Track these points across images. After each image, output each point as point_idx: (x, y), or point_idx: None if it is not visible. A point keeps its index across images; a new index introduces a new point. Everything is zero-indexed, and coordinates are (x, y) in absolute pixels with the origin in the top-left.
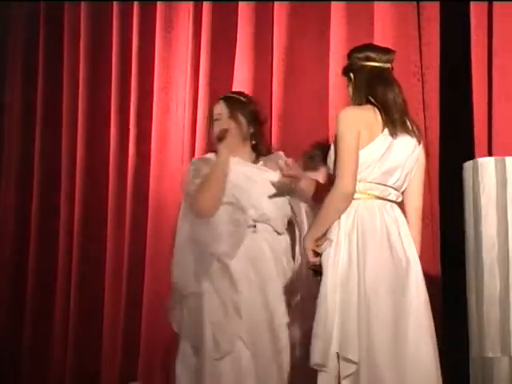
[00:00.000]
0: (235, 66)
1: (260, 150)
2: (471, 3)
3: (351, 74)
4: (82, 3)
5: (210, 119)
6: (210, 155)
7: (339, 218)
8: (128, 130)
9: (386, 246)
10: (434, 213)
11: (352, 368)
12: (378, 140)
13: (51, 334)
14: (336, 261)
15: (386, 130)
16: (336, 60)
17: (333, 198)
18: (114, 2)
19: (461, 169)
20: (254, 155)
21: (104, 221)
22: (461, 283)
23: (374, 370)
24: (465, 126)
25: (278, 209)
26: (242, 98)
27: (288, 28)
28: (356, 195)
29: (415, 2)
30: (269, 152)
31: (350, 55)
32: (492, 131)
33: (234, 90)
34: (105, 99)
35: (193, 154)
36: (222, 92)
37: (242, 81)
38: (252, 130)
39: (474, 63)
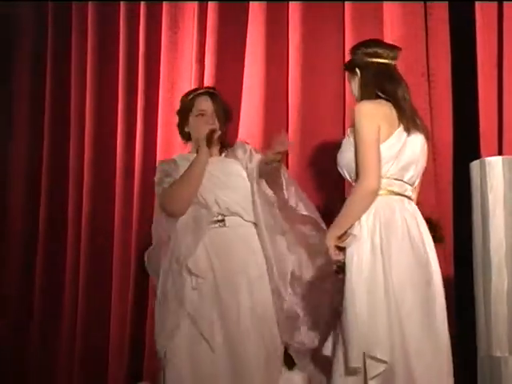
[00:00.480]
0: (245, 65)
1: (226, 144)
2: (476, 3)
3: (357, 70)
4: (90, 3)
5: (187, 112)
6: (177, 157)
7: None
8: (135, 128)
9: (407, 243)
10: (447, 212)
11: (381, 368)
12: (395, 135)
13: (59, 333)
14: (360, 259)
15: (401, 125)
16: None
17: (358, 195)
18: (121, 2)
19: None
20: (219, 148)
21: (111, 218)
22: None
23: (408, 369)
24: (473, 126)
25: (245, 198)
26: (218, 94)
27: (302, 28)
28: None
29: (423, 2)
30: (231, 145)
31: (354, 50)
32: (502, 131)
33: (244, 90)
34: (112, 98)
35: None
36: (228, 93)
37: (253, 81)
38: (224, 128)
39: (480, 62)
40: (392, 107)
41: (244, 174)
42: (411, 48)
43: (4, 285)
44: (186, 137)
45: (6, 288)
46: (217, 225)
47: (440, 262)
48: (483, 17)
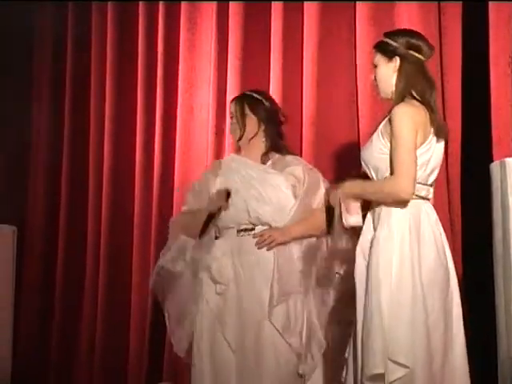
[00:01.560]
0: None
1: (273, 148)
2: (490, 3)
3: (397, 58)
4: (109, 3)
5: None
6: (228, 157)
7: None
8: (154, 130)
9: (434, 247)
10: (456, 213)
11: (401, 372)
12: (428, 141)
13: (79, 333)
14: (388, 263)
15: (432, 129)
16: (362, 60)
17: (387, 193)
18: (140, 2)
19: (482, 169)
20: (262, 154)
21: (131, 216)
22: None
23: (430, 375)
24: (484, 125)
25: (278, 211)
26: (255, 94)
27: (318, 28)
28: None
29: (437, 2)
30: (286, 152)
31: (395, 37)
32: None
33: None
34: (131, 100)
35: (217, 155)
36: None
37: (272, 81)
38: (263, 128)
39: (493, 61)
40: (426, 110)
41: (284, 186)
42: None
43: (26, 282)
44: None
45: (27, 286)
46: (246, 233)
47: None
48: (497, 16)
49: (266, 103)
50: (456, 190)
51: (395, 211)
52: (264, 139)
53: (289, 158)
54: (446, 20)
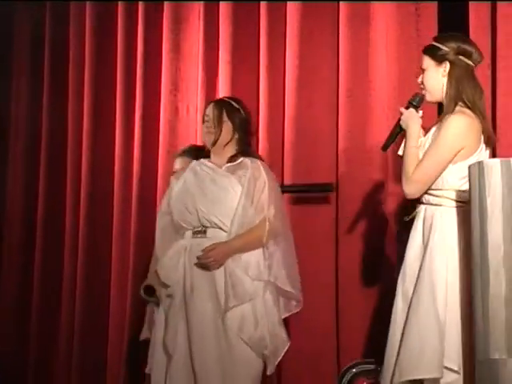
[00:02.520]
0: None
1: (241, 153)
2: (470, 3)
3: (447, 64)
4: (88, 3)
5: (202, 119)
6: (193, 162)
7: None
8: (133, 129)
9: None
10: None
11: (450, 377)
12: (479, 150)
13: (58, 328)
14: (444, 266)
15: (482, 138)
16: (344, 63)
17: (402, 183)
18: (119, 2)
19: None
20: (230, 156)
21: (110, 218)
22: None
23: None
24: None
25: (226, 213)
26: (233, 102)
27: (299, 30)
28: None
29: (414, 2)
30: (250, 155)
31: (446, 42)
32: (496, 132)
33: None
34: (110, 100)
35: None
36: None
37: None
38: (237, 136)
39: None
40: (478, 119)
41: (236, 188)
42: (405, 49)
43: (3, 277)
44: None
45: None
46: (199, 235)
47: None
48: (476, 17)
49: (242, 112)
50: None
51: (448, 216)
52: (236, 147)
53: (246, 160)
54: (421, 21)
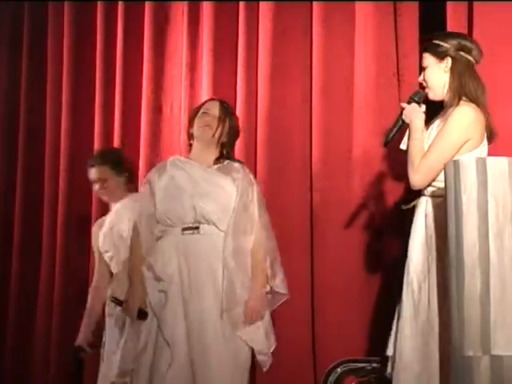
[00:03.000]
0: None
1: (224, 156)
2: (447, 3)
3: (449, 59)
4: (66, 3)
5: (195, 113)
6: (170, 161)
7: None
8: (113, 127)
9: None
10: None
11: None
12: (483, 144)
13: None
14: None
15: (486, 133)
16: (318, 61)
17: (408, 172)
18: (98, 2)
19: None
20: (215, 159)
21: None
22: None
23: None
24: None
25: (222, 210)
26: (228, 106)
27: (272, 29)
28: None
29: (393, 2)
30: (232, 159)
31: (447, 38)
32: None
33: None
34: (89, 99)
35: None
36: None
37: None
38: (225, 140)
39: None
40: (483, 114)
41: (230, 188)
42: (382, 48)
43: None
44: (190, 138)
45: None
46: (191, 231)
47: None
48: (454, 17)
49: (236, 117)
50: None
51: None
52: (220, 149)
53: (236, 164)
54: (401, 21)
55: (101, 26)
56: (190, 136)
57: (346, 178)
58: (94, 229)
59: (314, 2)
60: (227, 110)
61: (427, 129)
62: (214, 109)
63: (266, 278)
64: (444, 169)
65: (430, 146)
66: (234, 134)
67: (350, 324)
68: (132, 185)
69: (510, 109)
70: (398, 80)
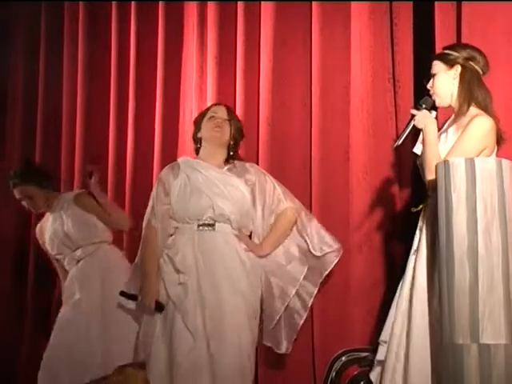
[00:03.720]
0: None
1: (232, 157)
2: (436, 3)
3: (458, 67)
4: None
5: (202, 117)
6: (182, 161)
7: None
8: (126, 134)
9: None
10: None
11: None
12: (496, 149)
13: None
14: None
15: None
16: (317, 67)
17: (426, 172)
18: (113, 2)
19: None
20: (224, 160)
21: None
22: None
23: None
24: None
25: (237, 208)
26: (234, 112)
27: (273, 36)
28: None
29: (389, 14)
30: (239, 159)
31: (457, 48)
32: None
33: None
34: (103, 103)
35: None
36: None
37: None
38: (232, 141)
39: None
40: (494, 122)
41: (243, 188)
42: (378, 56)
43: None
44: (198, 142)
45: None
46: (206, 228)
47: None
48: (442, 19)
49: (238, 119)
50: (407, 186)
51: None
52: (227, 150)
53: (247, 164)
54: (397, 31)
55: (115, 32)
56: (198, 140)
57: (344, 177)
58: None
59: (313, 12)
60: (232, 114)
61: (439, 135)
62: (222, 112)
63: (287, 230)
64: (435, 169)
65: (450, 151)
66: (239, 135)
67: (349, 315)
68: (55, 187)
69: (497, 105)
70: (393, 85)
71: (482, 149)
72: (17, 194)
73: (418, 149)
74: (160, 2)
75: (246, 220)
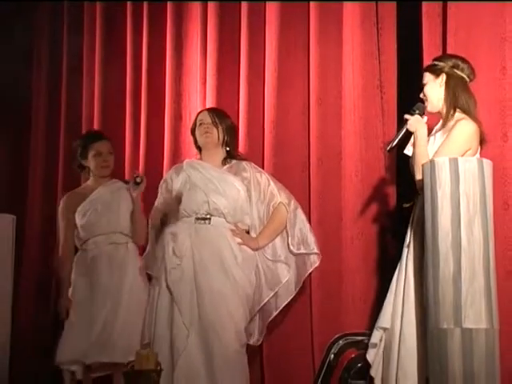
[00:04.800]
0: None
1: (230, 155)
2: (423, 3)
3: (443, 76)
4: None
5: (194, 126)
6: (186, 163)
7: None
8: (139, 136)
9: None
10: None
11: None
12: (478, 151)
13: None
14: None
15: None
16: (314, 75)
17: (416, 172)
18: (128, 6)
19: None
20: (222, 159)
21: None
22: None
23: None
24: None
25: (232, 204)
26: (220, 111)
27: (277, 48)
28: None
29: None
30: (240, 159)
31: (443, 59)
32: None
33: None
34: (119, 109)
35: None
36: (227, 103)
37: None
38: (227, 138)
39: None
40: (478, 125)
41: (239, 185)
42: (367, 64)
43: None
44: (199, 149)
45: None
46: (203, 221)
47: None
48: (428, 30)
49: (228, 118)
50: (391, 181)
51: None
52: (225, 149)
53: (243, 163)
54: (382, 40)
55: (130, 40)
56: (198, 148)
57: (338, 175)
58: (70, 201)
59: (310, 27)
60: (218, 114)
61: (428, 137)
62: (206, 117)
63: (281, 224)
64: (422, 168)
65: (435, 154)
66: (232, 132)
67: (344, 303)
68: None
69: (480, 109)
70: (380, 92)
71: (466, 150)
72: (106, 146)
73: (408, 150)
74: (168, 3)
75: (240, 215)
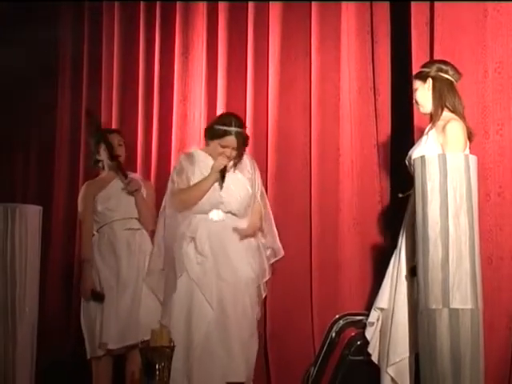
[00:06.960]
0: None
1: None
2: (412, 3)
3: (430, 80)
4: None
5: (217, 134)
6: (195, 151)
7: None
8: (151, 128)
9: None
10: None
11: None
12: (468, 146)
13: None
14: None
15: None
16: (316, 79)
17: None
18: (141, 41)
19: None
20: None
21: None
22: None
23: None
24: (408, 127)
25: (240, 203)
26: (246, 134)
27: (280, 55)
28: None
29: (370, 36)
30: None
31: (429, 64)
32: None
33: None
34: (133, 112)
35: None
36: (235, 104)
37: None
38: (240, 152)
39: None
40: (464, 122)
41: (244, 182)
42: (362, 69)
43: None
44: (209, 137)
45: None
46: (217, 218)
47: None
48: (417, 37)
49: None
50: (385, 178)
51: None
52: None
53: (247, 159)
54: (377, 47)
55: (143, 48)
56: (206, 137)
57: (335, 170)
58: (89, 189)
59: (311, 35)
60: (245, 141)
61: (421, 137)
62: (234, 143)
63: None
64: (413, 163)
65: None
66: (244, 144)
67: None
68: None
69: (465, 104)
70: (374, 94)
71: (465, 146)
72: (115, 138)
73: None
74: (177, 17)
75: (248, 211)
